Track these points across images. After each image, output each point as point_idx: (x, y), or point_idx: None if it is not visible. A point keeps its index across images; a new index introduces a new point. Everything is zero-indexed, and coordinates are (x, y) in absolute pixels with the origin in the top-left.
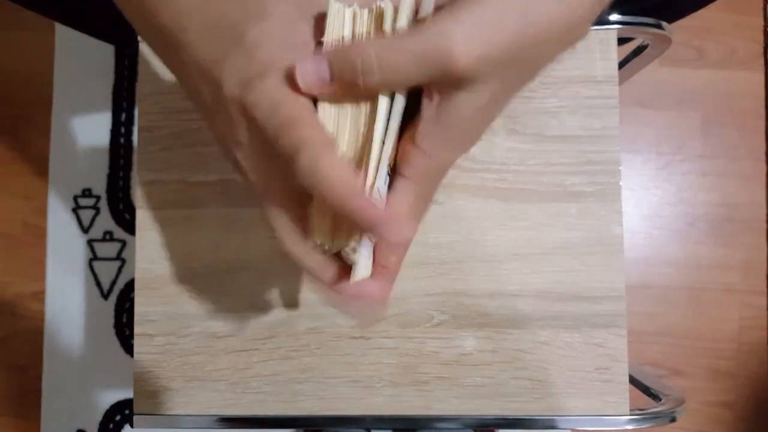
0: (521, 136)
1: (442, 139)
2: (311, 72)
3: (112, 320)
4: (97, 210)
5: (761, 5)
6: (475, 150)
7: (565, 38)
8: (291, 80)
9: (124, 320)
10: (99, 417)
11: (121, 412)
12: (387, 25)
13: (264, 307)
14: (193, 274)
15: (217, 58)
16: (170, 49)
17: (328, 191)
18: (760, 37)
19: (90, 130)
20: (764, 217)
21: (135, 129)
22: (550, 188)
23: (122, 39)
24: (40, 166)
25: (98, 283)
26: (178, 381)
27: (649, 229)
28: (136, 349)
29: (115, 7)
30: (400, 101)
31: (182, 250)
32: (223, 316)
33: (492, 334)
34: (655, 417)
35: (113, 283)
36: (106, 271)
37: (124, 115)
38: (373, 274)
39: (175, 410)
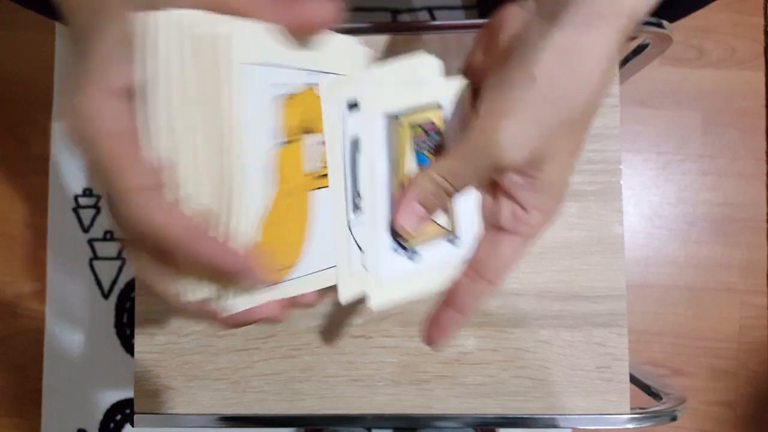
0: None
1: (549, 199)
2: (413, 218)
3: (112, 320)
4: (98, 209)
5: (761, 5)
6: None
7: (598, 99)
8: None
9: (125, 320)
10: (99, 416)
11: (122, 411)
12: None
13: None
14: None
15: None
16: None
17: (165, 238)
18: (761, 37)
19: None
20: (765, 217)
21: None
22: None
23: None
24: (40, 166)
25: (99, 283)
26: (178, 380)
27: (649, 228)
28: (136, 348)
29: None
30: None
31: None
32: None
33: (493, 333)
34: (655, 416)
35: (114, 282)
36: (107, 270)
37: None
38: None
39: (176, 409)
